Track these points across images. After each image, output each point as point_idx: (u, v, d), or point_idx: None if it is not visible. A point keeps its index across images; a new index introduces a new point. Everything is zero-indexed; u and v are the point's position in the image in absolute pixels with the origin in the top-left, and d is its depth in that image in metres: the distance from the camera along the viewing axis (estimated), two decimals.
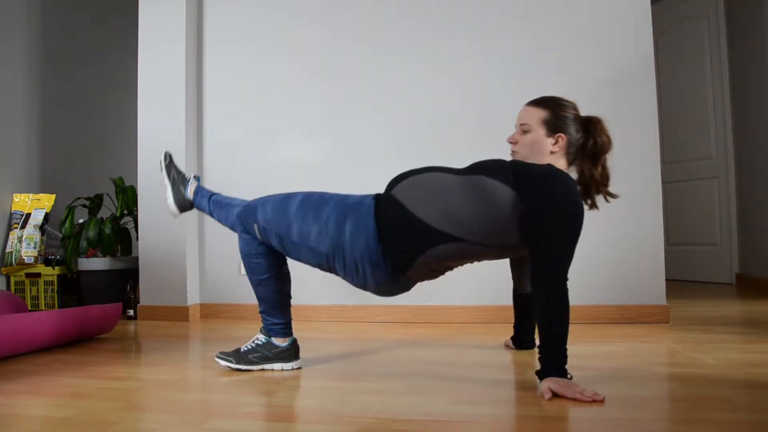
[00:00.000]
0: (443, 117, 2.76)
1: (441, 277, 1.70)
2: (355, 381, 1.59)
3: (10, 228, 3.28)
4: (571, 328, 1.42)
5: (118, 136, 4.15)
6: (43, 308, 3.15)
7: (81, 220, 3.26)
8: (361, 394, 1.44)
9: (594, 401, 1.30)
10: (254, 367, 1.74)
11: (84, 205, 3.32)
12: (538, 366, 1.42)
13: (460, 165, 1.75)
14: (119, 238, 3.21)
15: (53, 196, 3.44)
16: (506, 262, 2.16)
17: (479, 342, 2.15)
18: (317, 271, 2.49)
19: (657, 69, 3.86)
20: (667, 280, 2.79)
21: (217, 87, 3.06)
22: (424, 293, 2.56)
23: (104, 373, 1.73)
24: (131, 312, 2.99)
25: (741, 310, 2.79)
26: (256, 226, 1.69)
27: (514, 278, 1.98)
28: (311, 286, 2.79)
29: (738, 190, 4.00)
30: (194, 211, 3.01)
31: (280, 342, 1.75)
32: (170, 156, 2.04)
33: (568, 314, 1.40)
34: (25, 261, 3.20)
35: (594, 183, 1.60)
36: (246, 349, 1.75)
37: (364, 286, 1.63)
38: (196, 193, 1.97)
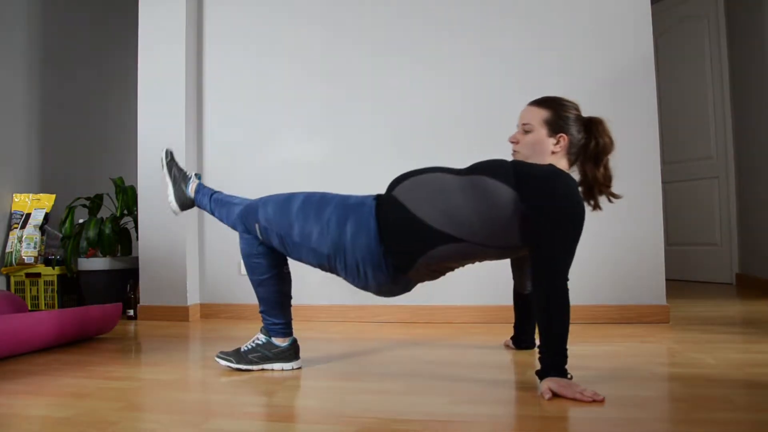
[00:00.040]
0: (443, 117, 2.76)
1: (441, 277, 1.70)
2: (355, 381, 1.59)
3: (10, 228, 3.28)
4: (571, 328, 1.42)
5: (118, 136, 4.15)
6: (43, 308, 3.15)
7: (81, 220, 3.26)
8: (361, 394, 1.44)
9: (594, 401, 1.30)
10: (254, 367, 1.74)
11: (84, 205, 3.32)
12: (538, 366, 1.42)
13: (460, 165, 1.75)
14: (119, 238, 3.21)
15: (53, 196, 3.44)
16: (506, 262, 2.16)
17: (479, 342, 2.15)
18: (318, 271, 2.49)
19: (657, 69, 3.87)
20: (667, 280, 2.79)
21: (217, 87, 3.06)
22: (425, 293, 2.56)
23: (104, 373, 1.73)
24: (131, 312, 2.99)
25: (741, 310, 2.79)
26: (257, 225, 1.69)
27: (514, 278, 1.98)
28: (312, 286, 2.79)
29: (738, 190, 4.00)
30: (194, 211, 3.01)
31: (281, 342, 1.75)
32: (171, 153, 2.03)
33: (569, 314, 1.40)
34: (25, 261, 3.20)
35: (597, 184, 1.60)
36: (246, 348, 1.75)
37: (365, 287, 1.63)
38: (197, 191, 1.97)
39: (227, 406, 1.36)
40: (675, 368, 1.64)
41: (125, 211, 3.27)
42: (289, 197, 1.70)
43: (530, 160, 1.62)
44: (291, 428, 1.19)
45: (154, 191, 2.96)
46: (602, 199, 1.64)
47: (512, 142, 1.67)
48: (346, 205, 1.61)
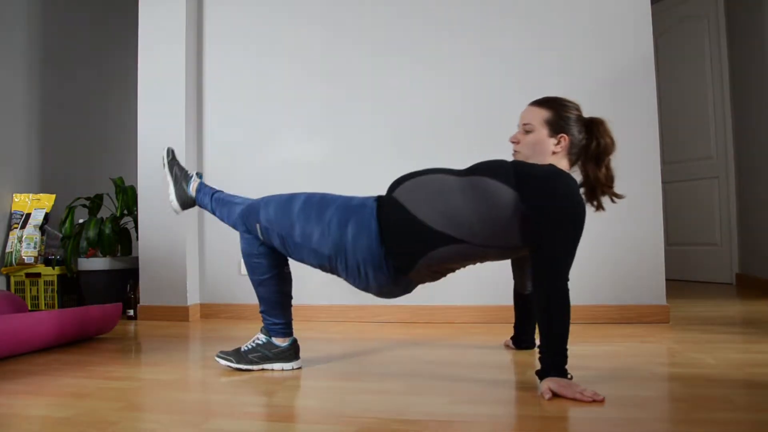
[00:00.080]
0: (443, 117, 2.76)
1: (442, 278, 1.70)
2: (355, 381, 1.59)
3: (10, 228, 3.28)
4: (571, 328, 1.42)
5: (118, 136, 4.15)
6: (43, 308, 3.15)
7: (81, 220, 3.26)
8: (361, 394, 1.44)
9: (594, 401, 1.30)
10: (254, 367, 1.74)
11: (84, 205, 3.32)
12: (538, 366, 1.42)
13: (460, 165, 1.75)
14: (119, 238, 3.21)
15: (53, 196, 3.44)
16: (507, 262, 2.16)
17: (479, 342, 2.15)
18: (318, 271, 2.49)
19: (657, 69, 3.87)
20: (667, 280, 2.79)
21: (217, 87, 3.06)
22: (425, 293, 2.56)
23: (104, 373, 1.73)
24: (131, 312, 2.99)
25: (741, 310, 2.79)
26: (258, 226, 1.69)
27: (515, 278, 1.98)
28: (312, 286, 2.79)
29: (738, 190, 4.00)
30: (194, 211, 3.01)
31: (281, 342, 1.75)
32: (173, 152, 2.03)
33: (569, 314, 1.40)
34: (25, 261, 3.20)
35: (599, 185, 1.60)
36: (246, 348, 1.75)
37: (366, 288, 1.63)
38: (198, 190, 1.97)
39: (227, 406, 1.36)
40: (675, 368, 1.65)
41: (125, 211, 3.27)
42: (291, 197, 1.70)
43: (531, 161, 1.62)
44: (291, 428, 1.19)
45: (154, 191, 2.96)
46: (604, 200, 1.64)
47: (513, 142, 1.67)
48: (347, 206, 1.61)
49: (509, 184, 1.44)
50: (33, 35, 3.53)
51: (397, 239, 1.52)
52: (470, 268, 2.22)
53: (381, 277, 1.57)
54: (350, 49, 2.88)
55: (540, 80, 2.63)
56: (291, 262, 1.84)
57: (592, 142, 1.59)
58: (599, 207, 1.64)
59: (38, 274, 3.18)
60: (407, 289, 1.66)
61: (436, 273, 1.61)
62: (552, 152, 1.60)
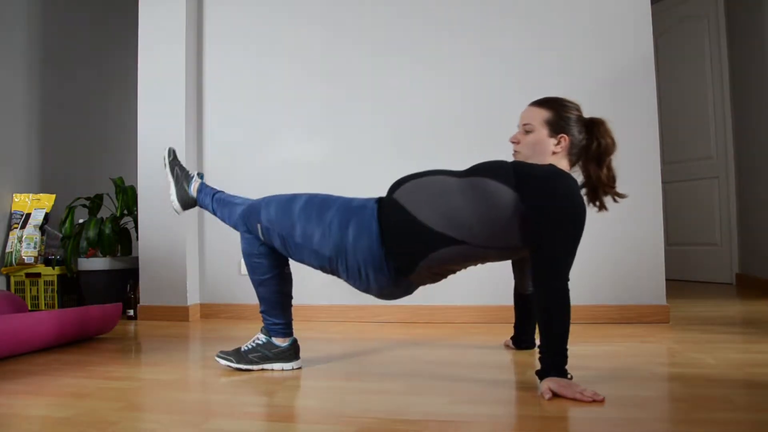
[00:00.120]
0: (443, 117, 2.76)
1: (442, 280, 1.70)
2: (355, 381, 1.59)
3: (10, 228, 3.28)
4: (571, 328, 1.42)
5: (118, 136, 4.15)
6: (43, 308, 3.15)
7: (81, 220, 3.26)
8: (361, 394, 1.44)
9: (594, 401, 1.30)
10: (254, 367, 1.74)
11: (84, 205, 3.32)
12: (538, 366, 1.42)
13: (460, 165, 1.75)
14: (119, 238, 3.21)
15: (53, 196, 3.44)
16: (507, 262, 2.16)
17: (479, 342, 2.15)
18: (318, 271, 2.49)
19: (657, 69, 3.86)
20: (667, 280, 2.79)
21: (217, 87, 3.06)
22: (425, 293, 2.55)
23: (104, 373, 1.73)
24: (131, 312, 2.99)
25: (741, 310, 2.79)
26: (259, 226, 1.69)
27: (515, 278, 1.98)
28: (312, 286, 2.79)
29: (738, 190, 4.00)
30: (194, 211, 3.01)
31: (281, 342, 1.75)
32: (174, 152, 2.03)
33: (569, 315, 1.40)
34: (25, 261, 3.20)
35: (601, 185, 1.59)
36: (246, 348, 1.75)
37: (366, 289, 1.63)
38: (199, 190, 1.97)
39: (227, 406, 1.36)
40: (675, 368, 1.65)
41: (125, 211, 3.27)
42: (292, 198, 1.70)
43: (531, 161, 1.62)
44: (291, 428, 1.19)
45: (154, 191, 2.96)
46: (606, 200, 1.64)
47: (513, 143, 1.67)
48: (348, 207, 1.61)
49: (509, 184, 1.44)
50: (33, 35, 3.53)
51: (398, 240, 1.52)
52: (470, 268, 2.21)
53: (382, 279, 1.57)
54: (350, 49, 2.88)
55: (540, 80, 2.63)
56: (291, 262, 1.84)
57: (593, 142, 1.59)
58: (602, 207, 1.63)
59: (38, 274, 3.18)
60: (408, 290, 1.66)
61: (437, 275, 1.61)
62: (552, 152, 1.60)
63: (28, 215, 3.29)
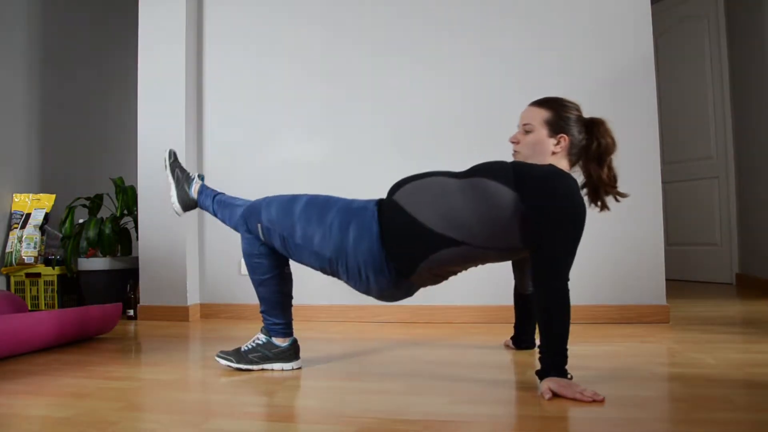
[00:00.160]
0: (443, 117, 2.76)
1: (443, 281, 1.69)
2: (355, 381, 1.59)
3: (10, 228, 3.28)
4: (571, 328, 1.42)
5: (118, 136, 4.15)
6: (43, 308, 3.15)
7: (81, 220, 3.26)
8: (361, 394, 1.44)
9: (594, 401, 1.30)
10: (254, 367, 1.74)
11: (84, 205, 3.32)
12: (538, 366, 1.42)
13: (460, 165, 1.76)
14: (119, 238, 3.21)
15: (53, 196, 3.44)
16: (507, 262, 2.16)
17: (479, 342, 2.15)
18: (318, 272, 2.49)
19: (657, 69, 3.86)
20: (667, 280, 2.79)
21: (217, 87, 3.06)
22: (425, 293, 2.55)
23: (104, 373, 1.73)
24: (131, 312, 2.99)
25: (741, 310, 2.79)
26: (259, 226, 1.69)
27: (515, 278, 1.98)
28: (312, 286, 2.79)
29: (738, 190, 4.00)
30: (194, 211, 3.01)
31: (281, 342, 1.75)
32: (175, 154, 2.03)
33: (569, 315, 1.40)
34: (25, 261, 3.20)
35: (602, 185, 1.59)
36: (246, 348, 1.75)
37: (367, 291, 1.63)
38: (200, 192, 1.97)
39: (227, 406, 1.36)
40: (675, 368, 1.65)
41: (125, 211, 3.27)
42: (293, 198, 1.70)
43: (531, 161, 1.61)
44: (291, 428, 1.19)
45: (154, 191, 2.95)
46: (608, 199, 1.64)
47: (513, 143, 1.67)
48: (349, 209, 1.61)
49: (509, 185, 1.44)
50: (33, 35, 3.53)
51: (398, 242, 1.52)
52: (470, 268, 2.22)
53: (382, 281, 1.57)
54: (350, 49, 2.88)
55: (540, 80, 2.63)
56: (291, 262, 1.84)
57: (593, 142, 1.59)
58: (604, 207, 1.63)
59: (38, 274, 3.18)
60: (408, 292, 1.66)
61: (438, 276, 1.61)
62: (552, 152, 1.60)
63: (28, 215, 3.29)
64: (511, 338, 2.03)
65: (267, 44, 2.99)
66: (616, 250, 2.54)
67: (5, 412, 1.33)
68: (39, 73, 3.56)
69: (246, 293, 2.89)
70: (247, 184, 2.92)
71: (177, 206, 1.98)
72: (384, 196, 1.67)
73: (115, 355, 2.04)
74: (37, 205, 3.34)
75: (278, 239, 1.66)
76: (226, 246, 2.97)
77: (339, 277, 1.64)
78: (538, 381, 1.41)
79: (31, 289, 3.18)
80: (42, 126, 3.57)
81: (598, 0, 2.61)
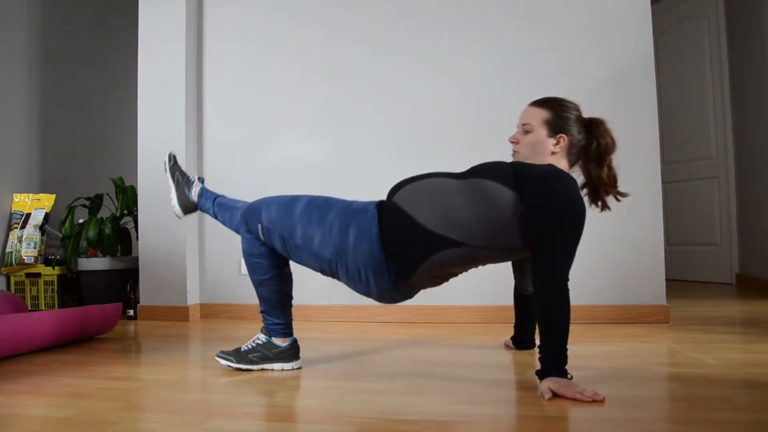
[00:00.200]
0: (443, 117, 2.76)
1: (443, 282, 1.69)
2: (355, 381, 1.59)
3: (10, 228, 3.28)
4: (571, 328, 1.42)
5: (118, 136, 4.15)
6: (43, 308, 3.15)
7: (81, 220, 3.26)
8: (361, 394, 1.44)
9: (594, 401, 1.30)
10: (254, 367, 1.74)
11: (84, 205, 3.32)
12: (538, 366, 1.42)
13: (460, 165, 1.75)
14: (119, 238, 3.21)
15: (53, 196, 3.44)
16: (507, 262, 2.16)
17: (479, 342, 2.15)
18: None
19: (657, 69, 3.86)
20: (667, 280, 2.79)
21: (217, 87, 3.06)
22: (425, 293, 2.54)
23: (104, 373, 1.73)
24: (131, 312, 2.99)
25: (741, 310, 2.79)
26: (260, 226, 1.69)
27: (516, 279, 1.98)
28: (312, 286, 2.79)
29: (738, 190, 4.00)
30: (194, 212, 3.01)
31: (281, 342, 1.75)
32: (174, 157, 2.03)
33: (569, 315, 1.40)
34: (25, 261, 3.20)
35: (602, 184, 1.59)
36: (246, 348, 1.75)
37: (366, 293, 1.63)
38: (200, 195, 1.97)
39: (227, 406, 1.36)
40: (675, 368, 1.65)
41: (125, 211, 3.27)
42: (293, 199, 1.70)
43: (530, 161, 1.61)
44: (291, 428, 1.19)
45: (154, 191, 2.95)
46: (608, 199, 1.63)
47: (512, 142, 1.67)
48: (349, 210, 1.61)
49: (508, 185, 1.44)
50: (33, 35, 3.53)
51: (398, 243, 1.52)
52: (470, 269, 2.22)
53: (382, 282, 1.57)
54: (350, 49, 2.88)
55: (540, 80, 2.63)
56: (291, 262, 1.84)
57: (592, 142, 1.59)
58: (604, 207, 1.63)
59: (38, 274, 3.18)
60: (408, 294, 1.66)
61: (438, 277, 1.61)
62: (551, 152, 1.60)
63: (28, 215, 3.29)
64: (511, 338, 2.03)
65: (267, 44, 2.99)
66: (616, 250, 2.54)
67: (5, 412, 1.33)
68: (39, 73, 3.56)
69: (246, 293, 2.89)
70: (247, 184, 2.92)
71: (177, 210, 1.98)
72: (384, 196, 1.67)
73: (115, 355, 2.04)
74: (37, 205, 3.34)
75: (278, 240, 1.66)
76: (226, 246, 2.97)
77: (339, 279, 1.64)
78: (538, 381, 1.41)
79: (31, 289, 3.18)
80: (42, 126, 3.57)
81: (598, 0, 2.61)
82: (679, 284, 4.13)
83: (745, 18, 3.80)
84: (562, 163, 1.60)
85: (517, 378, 1.60)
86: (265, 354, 1.74)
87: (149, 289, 2.97)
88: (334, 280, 2.62)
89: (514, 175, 1.46)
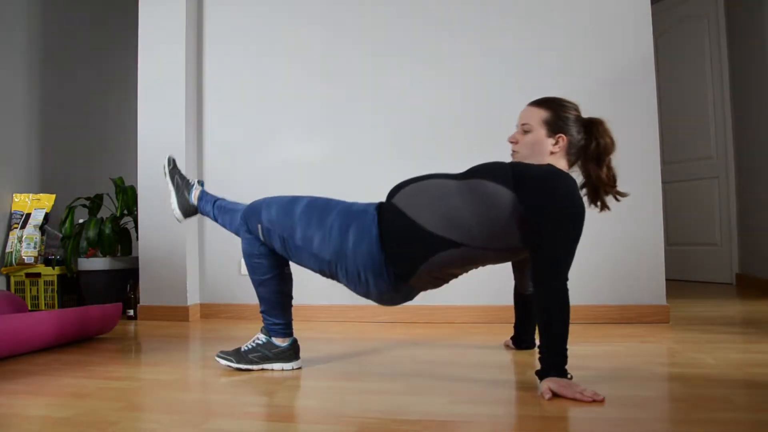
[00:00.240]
0: (443, 117, 2.76)
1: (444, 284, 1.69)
2: (355, 381, 1.59)
3: (10, 228, 3.28)
4: (571, 328, 1.42)
5: (118, 136, 4.15)
6: (43, 308, 3.15)
7: (81, 220, 3.26)
8: (361, 394, 1.44)
9: (594, 401, 1.30)
10: (254, 367, 1.74)
11: (84, 205, 3.32)
12: (538, 366, 1.42)
13: (460, 165, 1.75)
14: (119, 238, 3.21)
15: (53, 196, 3.44)
16: (507, 263, 2.16)
17: (479, 342, 2.15)
18: None
19: (657, 69, 3.86)
20: (667, 280, 2.79)
21: (217, 87, 3.06)
22: (425, 293, 2.54)
23: (104, 373, 1.73)
24: (131, 312, 2.99)
25: (741, 310, 2.79)
26: (259, 226, 1.69)
27: (515, 279, 1.98)
28: (312, 286, 2.79)
29: (738, 190, 4.00)
30: None
31: (281, 342, 1.75)
32: (174, 161, 2.03)
33: (569, 314, 1.40)
34: (25, 261, 3.20)
35: (602, 184, 1.59)
36: (246, 348, 1.75)
37: (366, 294, 1.63)
38: (200, 198, 1.97)
39: (227, 406, 1.36)
40: (675, 368, 1.65)
41: (125, 211, 3.27)
42: (293, 200, 1.70)
43: (529, 161, 1.61)
44: (291, 428, 1.19)
45: (154, 191, 2.96)
46: (608, 199, 1.63)
47: (511, 142, 1.67)
48: (349, 212, 1.61)
49: (507, 185, 1.44)
50: (33, 35, 3.53)
51: (398, 245, 1.52)
52: (470, 270, 2.22)
53: (381, 284, 1.56)
54: (350, 49, 2.88)
55: (540, 80, 2.63)
56: (291, 262, 1.84)
57: (592, 142, 1.59)
58: (604, 207, 1.63)
59: (38, 274, 3.18)
60: (408, 296, 1.66)
61: (438, 279, 1.61)
62: (550, 152, 1.60)
63: (28, 215, 3.29)
64: (511, 338, 2.03)
65: (267, 44, 2.99)
66: (616, 250, 2.54)
67: (5, 412, 1.33)
68: (39, 73, 3.56)
69: (246, 293, 2.89)
70: (247, 184, 2.92)
71: (177, 213, 1.98)
72: (384, 197, 1.67)
73: (115, 355, 2.04)
74: (37, 205, 3.34)
75: (278, 240, 1.66)
76: (226, 246, 2.97)
77: (339, 280, 1.64)
78: (538, 381, 1.41)
79: (31, 289, 3.18)
80: (42, 126, 3.57)
81: (598, 0, 2.61)
82: (679, 284, 4.13)
83: (745, 18, 3.80)
84: (561, 163, 1.60)
85: (517, 378, 1.60)
86: (265, 354, 1.74)
87: (149, 289, 2.97)
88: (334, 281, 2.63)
89: (513, 175, 1.46)
